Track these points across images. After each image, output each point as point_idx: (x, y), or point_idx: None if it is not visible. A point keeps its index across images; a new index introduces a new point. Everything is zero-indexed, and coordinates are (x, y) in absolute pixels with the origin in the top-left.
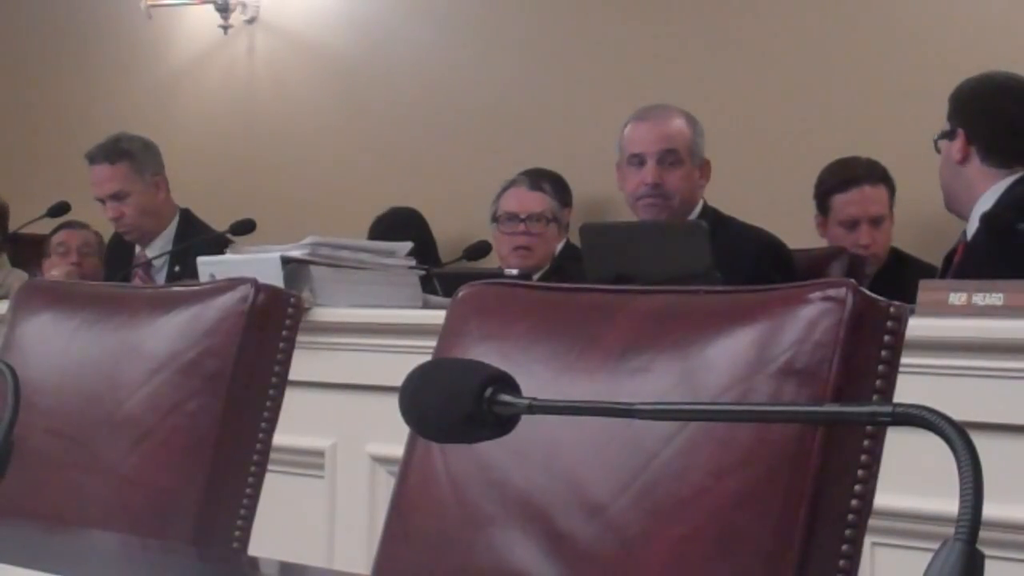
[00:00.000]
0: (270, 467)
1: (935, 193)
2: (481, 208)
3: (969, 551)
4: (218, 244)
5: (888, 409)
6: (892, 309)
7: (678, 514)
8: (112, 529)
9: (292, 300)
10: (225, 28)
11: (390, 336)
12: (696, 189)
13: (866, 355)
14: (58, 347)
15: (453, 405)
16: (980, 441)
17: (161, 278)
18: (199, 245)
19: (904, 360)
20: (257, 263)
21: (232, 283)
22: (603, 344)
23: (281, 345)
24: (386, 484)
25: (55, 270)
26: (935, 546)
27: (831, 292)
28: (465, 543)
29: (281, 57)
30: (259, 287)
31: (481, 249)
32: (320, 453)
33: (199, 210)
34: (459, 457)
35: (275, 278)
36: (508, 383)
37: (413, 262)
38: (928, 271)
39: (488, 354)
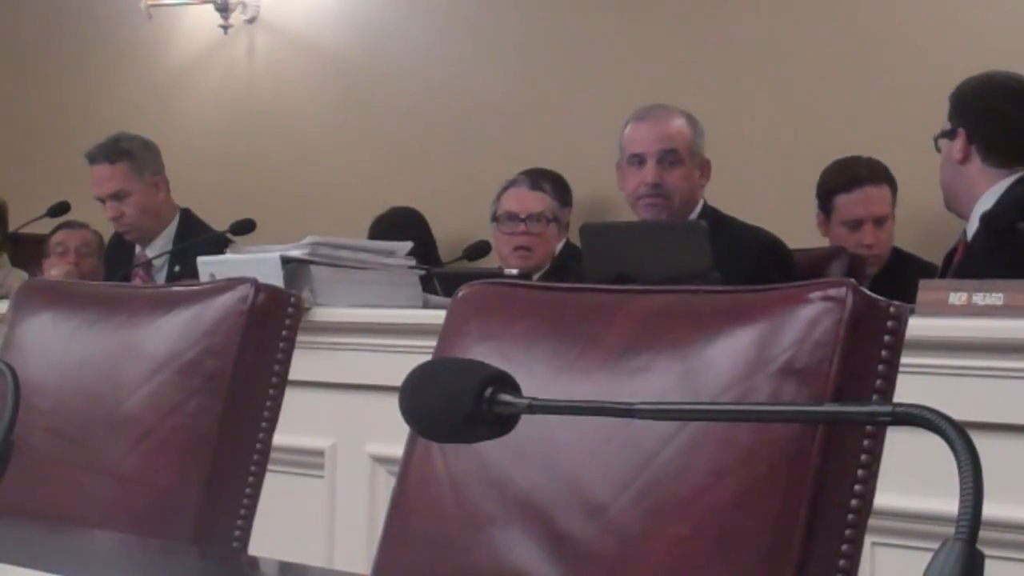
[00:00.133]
0: (270, 467)
1: (935, 193)
2: (481, 208)
3: (969, 551)
4: (218, 244)
5: (888, 409)
6: (892, 309)
7: (678, 514)
8: (112, 529)
9: (292, 300)
10: (225, 28)
11: (390, 336)
12: (696, 189)
13: (866, 355)
14: (58, 347)
15: (453, 405)
16: (980, 441)
17: (161, 278)
18: (199, 245)
19: (904, 360)
20: (257, 263)
21: (232, 283)
22: (603, 344)
23: (281, 345)
24: (386, 484)
25: (55, 270)
26: (935, 546)
27: (831, 292)
28: (465, 543)
29: (281, 57)
30: (259, 287)
31: (481, 249)
32: (320, 453)
33: (199, 210)
34: (459, 457)
35: (275, 278)
36: (508, 383)
37: (413, 262)
38: (929, 270)
39: (488, 354)
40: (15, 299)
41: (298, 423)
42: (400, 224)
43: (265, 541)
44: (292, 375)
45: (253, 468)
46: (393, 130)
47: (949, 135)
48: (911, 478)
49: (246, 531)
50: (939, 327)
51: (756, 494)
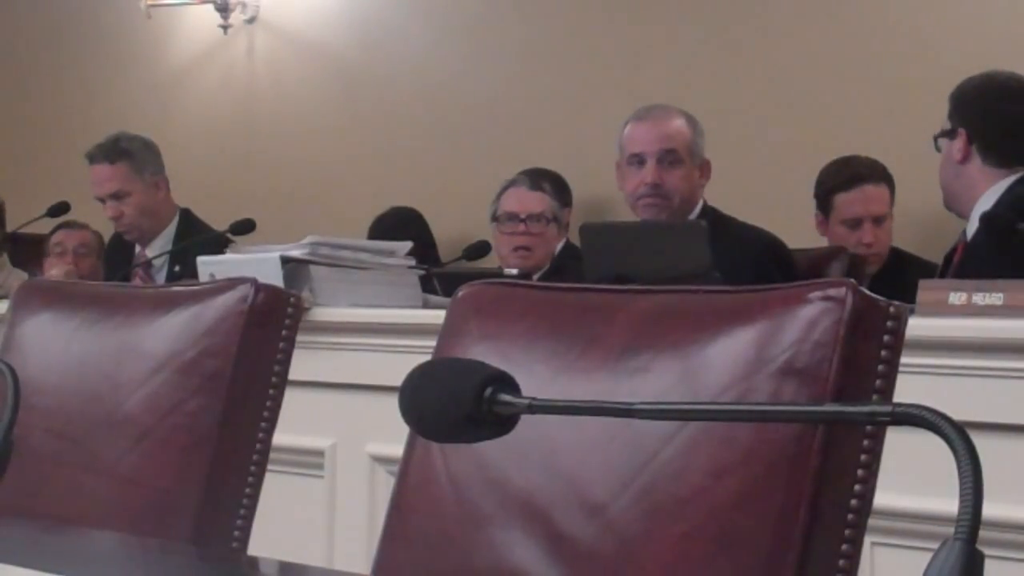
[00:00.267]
0: (270, 467)
1: (934, 192)
2: (481, 208)
3: (969, 551)
4: (218, 244)
5: (888, 409)
6: (892, 309)
7: (678, 514)
8: (112, 529)
9: (292, 300)
10: (225, 28)
11: (390, 336)
12: (696, 189)
13: (866, 355)
14: (58, 347)
15: (453, 405)
16: (980, 441)
17: (161, 278)
18: (199, 245)
19: (904, 360)
20: (257, 263)
21: (232, 283)
22: (603, 344)
23: (281, 345)
24: (386, 484)
25: (55, 270)
26: (935, 546)
27: (831, 292)
28: (465, 543)
29: (281, 57)
30: (259, 287)
31: (481, 249)
32: (320, 453)
33: (199, 210)
34: (459, 457)
35: (275, 278)
36: (508, 383)
37: (413, 262)
38: (928, 269)
39: (488, 354)
40: (15, 299)
41: (298, 423)
42: (400, 224)
43: (265, 541)
44: (292, 375)
45: (253, 468)
46: (393, 130)
47: (949, 135)
48: (911, 478)
49: (246, 531)
50: (939, 327)
51: (756, 494)
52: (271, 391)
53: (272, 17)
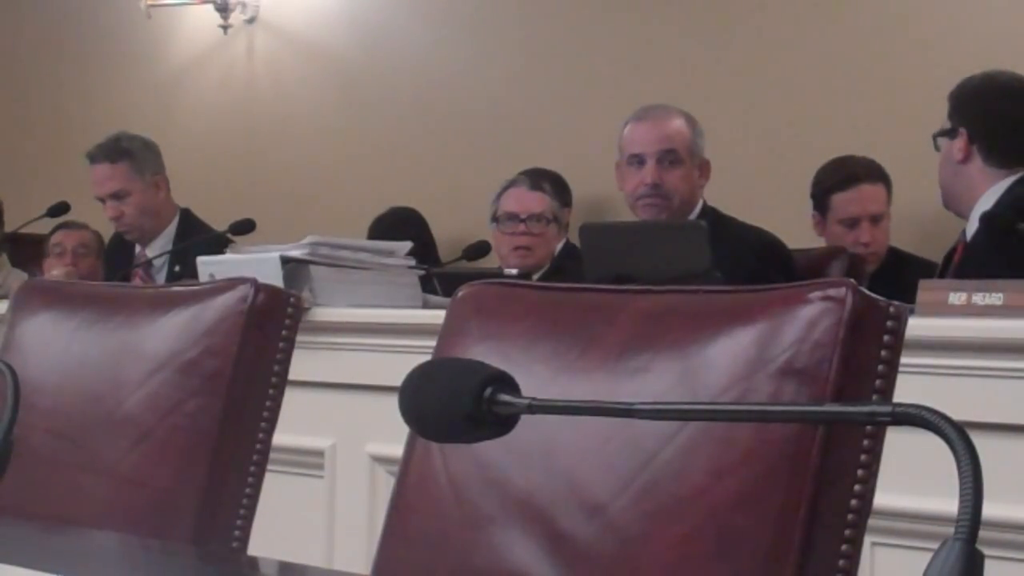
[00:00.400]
0: (270, 467)
1: (933, 192)
2: (481, 208)
3: (969, 551)
4: (218, 244)
5: (887, 409)
6: (892, 309)
7: (678, 514)
8: (112, 529)
9: (292, 300)
10: (225, 28)
11: (390, 336)
12: (696, 189)
13: (866, 355)
14: (58, 347)
15: (453, 405)
16: (980, 441)
17: (161, 278)
18: (199, 245)
19: (904, 360)
20: (257, 263)
21: (232, 283)
22: (603, 344)
23: (281, 345)
24: (386, 484)
25: (55, 271)
26: (935, 546)
27: (831, 292)
28: (465, 543)
29: (281, 57)
30: (259, 287)
31: (481, 249)
32: (320, 453)
33: (199, 210)
34: (459, 457)
35: (275, 278)
36: (508, 383)
37: (413, 262)
38: (928, 268)
39: (488, 354)
40: (15, 299)
41: (298, 423)
42: (400, 224)
43: (265, 541)
44: (292, 375)
45: (253, 468)
46: (393, 130)
47: (949, 134)
48: (911, 478)
49: (246, 531)
50: (939, 327)
51: (756, 494)
52: (271, 391)
53: (272, 17)
